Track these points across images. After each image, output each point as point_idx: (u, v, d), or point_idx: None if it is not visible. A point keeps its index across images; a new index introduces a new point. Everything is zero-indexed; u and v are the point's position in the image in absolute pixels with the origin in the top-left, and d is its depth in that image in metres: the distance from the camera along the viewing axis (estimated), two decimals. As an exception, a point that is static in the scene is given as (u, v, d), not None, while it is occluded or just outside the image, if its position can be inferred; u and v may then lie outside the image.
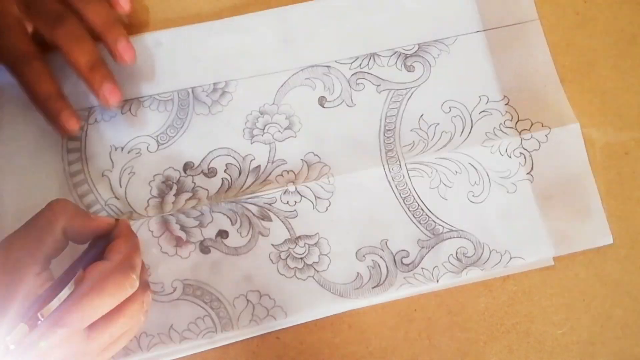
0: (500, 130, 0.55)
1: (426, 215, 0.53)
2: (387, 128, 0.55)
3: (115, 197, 0.53)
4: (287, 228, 0.53)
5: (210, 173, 0.54)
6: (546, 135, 0.55)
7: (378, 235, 0.53)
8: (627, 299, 0.53)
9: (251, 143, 0.54)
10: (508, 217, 0.53)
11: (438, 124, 0.55)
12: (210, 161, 0.54)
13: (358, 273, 0.52)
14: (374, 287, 0.52)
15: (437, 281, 0.52)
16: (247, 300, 0.51)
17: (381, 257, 0.52)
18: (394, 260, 0.52)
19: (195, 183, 0.53)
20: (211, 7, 0.58)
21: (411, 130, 0.55)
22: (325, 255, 0.52)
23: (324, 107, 0.55)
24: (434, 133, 0.55)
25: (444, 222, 0.53)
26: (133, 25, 0.57)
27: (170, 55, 0.56)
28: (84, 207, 0.52)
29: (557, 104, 0.56)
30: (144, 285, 0.46)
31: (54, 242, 0.43)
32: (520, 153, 0.54)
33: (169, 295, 0.51)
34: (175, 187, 0.53)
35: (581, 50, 0.58)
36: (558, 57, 0.57)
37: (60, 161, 0.53)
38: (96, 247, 0.45)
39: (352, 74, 0.56)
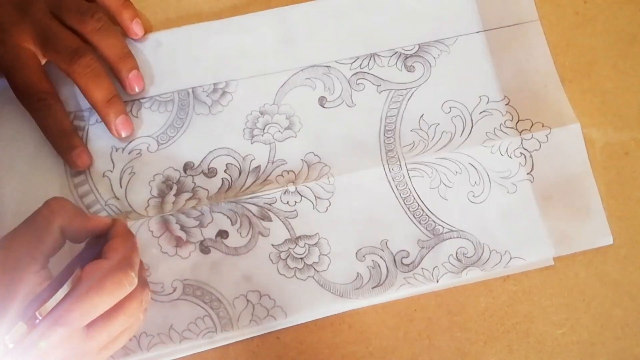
0: (501, 130, 0.55)
1: (426, 215, 0.53)
2: (387, 128, 0.55)
3: (116, 197, 0.53)
4: (287, 228, 0.53)
5: (211, 173, 0.54)
6: (546, 136, 0.55)
7: (378, 235, 0.53)
8: (627, 299, 0.53)
9: (251, 143, 0.54)
10: (508, 218, 0.53)
11: (438, 124, 0.55)
12: (211, 161, 0.54)
13: (358, 273, 0.52)
14: (374, 287, 0.52)
15: (437, 281, 0.52)
16: (247, 301, 0.51)
17: (381, 257, 0.52)
18: (394, 260, 0.52)
19: (195, 183, 0.53)
20: (211, 7, 0.58)
21: (411, 131, 0.55)
22: (325, 255, 0.52)
23: (324, 107, 0.55)
24: (434, 133, 0.55)
25: (444, 222, 0.53)
26: (133, 26, 0.57)
27: (170, 55, 0.56)
28: (85, 207, 0.52)
29: (557, 104, 0.56)
30: (143, 283, 0.46)
31: (52, 240, 0.43)
32: (521, 153, 0.54)
33: (169, 295, 0.51)
34: (175, 187, 0.53)
35: (581, 50, 0.58)
36: (558, 57, 0.57)
37: (60, 161, 0.53)
38: (93, 246, 0.45)
39: (353, 74, 0.56)
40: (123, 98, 0.54)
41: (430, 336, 0.52)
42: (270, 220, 0.53)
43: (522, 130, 0.55)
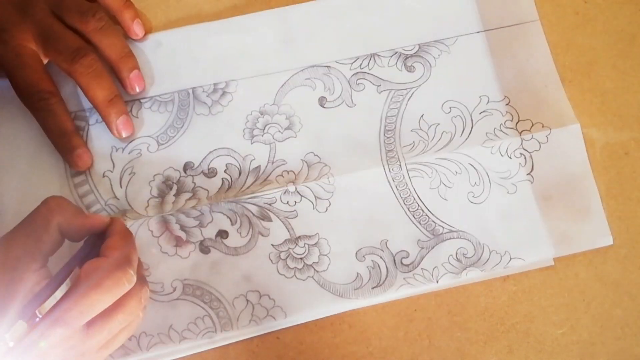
0: (501, 130, 0.55)
1: (426, 215, 0.53)
2: (387, 128, 0.55)
3: (116, 197, 0.53)
4: (287, 228, 0.53)
5: (211, 173, 0.54)
6: (546, 136, 0.55)
7: (378, 235, 0.53)
8: (627, 299, 0.53)
9: (251, 143, 0.54)
10: (508, 218, 0.53)
11: (438, 124, 0.55)
12: (211, 161, 0.54)
13: (358, 273, 0.52)
14: (374, 287, 0.52)
15: (437, 282, 0.52)
16: (247, 300, 0.51)
17: (381, 257, 0.52)
18: (394, 260, 0.52)
19: (195, 183, 0.53)
20: (211, 7, 0.58)
21: (411, 131, 0.55)
22: (325, 255, 0.52)
23: (324, 107, 0.55)
24: (434, 133, 0.55)
25: (444, 222, 0.53)
26: (133, 26, 0.57)
27: (170, 55, 0.56)
28: (85, 207, 0.52)
29: (557, 104, 0.56)
30: (142, 281, 0.46)
31: (51, 239, 0.43)
32: (521, 154, 0.54)
33: (169, 295, 0.51)
34: (175, 187, 0.53)
35: (581, 50, 0.58)
36: (558, 57, 0.57)
37: (60, 161, 0.53)
38: (92, 245, 0.45)
39: (353, 74, 0.56)
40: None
41: (430, 336, 0.52)
42: (270, 220, 0.53)
43: (522, 131, 0.55)
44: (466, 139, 0.55)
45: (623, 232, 0.54)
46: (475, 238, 0.53)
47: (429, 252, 0.52)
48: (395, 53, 0.57)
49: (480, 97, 0.56)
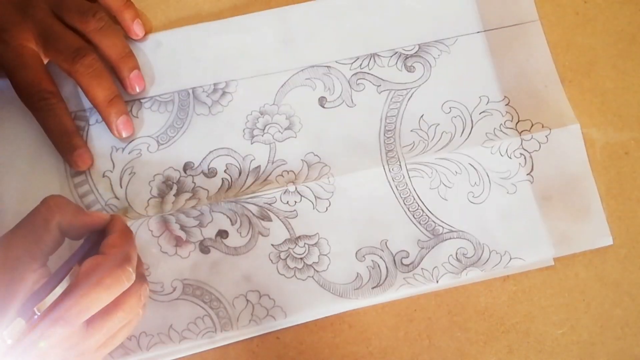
0: (501, 130, 0.55)
1: (426, 215, 0.53)
2: (387, 128, 0.55)
3: (116, 197, 0.53)
4: (287, 228, 0.53)
5: (211, 173, 0.54)
6: (546, 136, 0.55)
7: (378, 235, 0.53)
8: (627, 299, 0.53)
9: (251, 143, 0.54)
10: (508, 218, 0.53)
11: (438, 124, 0.55)
12: (211, 161, 0.54)
13: (358, 273, 0.52)
14: (374, 287, 0.52)
15: (437, 282, 0.52)
16: (247, 300, 0.51)
17: (381, 257, 0.52)
18: (394, 260, 0.52)
19: (195, 183, 0.53)
20: (211, 7, 0.58)
21: (411, 131, 0.55)
22: (325, 255, 0.52)
23: (324, 107, 0.55)
24: (434, 133, 0.55)
25: (444, 222, 0.53)
26: (133, 26, 0.57)
27: (170, 55, 0.56)
28: (85, 207, 0.52)
29: (557, 104, 0.56)
30: (141, 279, 0.46)
31: (51, 239, 0.43)
32: (521, 154, 0.54)
33: (169, 295, 0.51)
34: (175, 187, 0.53)
35: (581, 50, 0.58)
36: (558, 57, 0.57)
37: (60, 161, 0.53)
38: (92, 242, 0.45)
39: (353, 74, 0.56)
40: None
41: (430, 336, 0.52)
42: (270, 220, 0.53)
43: (522, 131, 0.55)
44: (466, 139, 0.55)
45: (623, 232, 0.54)
46: (475, 238, 0.53)
47: (429, 252, 0.52)
48: (395, 53, 0.57)
49: (480, 97, 0.56)
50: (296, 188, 0.53)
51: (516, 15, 0.58)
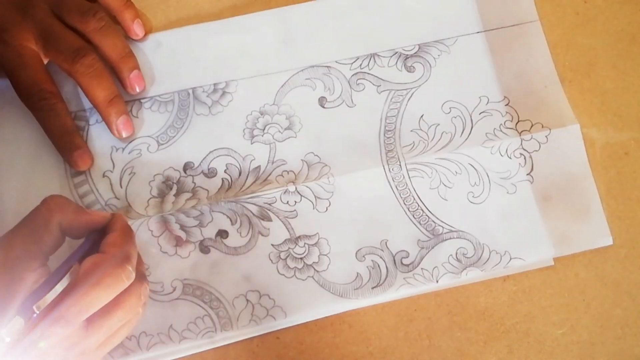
0: (501, 131, 0.55)
1: (426, 215, 0.53)
2: (387, 128, 0.55)
3: (116, 197, 0.53)
4: (287, 228, 0.53)
5: (211, 173, 0.54)
6: (546, 136, 0.55)
7: (378, 235, 0.53)
8: (627, 299, 0.53)
9: (251, 143, 0.54)
10: (508, 218, 0.53)
11: (438, 124, 0.55)
12: (211, 161, 0.54)
13: (358, 273, 0.52)
14: (374, 287, 0.52)
15: (437, 282, 0.52)
16: (247, 300, 0.51)
17: (381, 257, 0.52)
18: (394, 260, 0.52)
19: (195, 183, 0.53)
20: (211, 7, 0.58)
21: (411, 131, 0.55)
22: (325, 255, 0.52)
23: (324, 107, 0.55)
24: (434, 133, 0.55)
25: (444, 222, 0.53)
26: (133, 26, 0.57)
27: (170, 56, 0.56)
28: (85, 207, 0.52)
29: (557, 105, 0.56)
30: (141, 278, 0.46)
31: (52, 238, 0.43)
32: (520, 154, 0.54)
33: (169, 295, 0.51)
34: (175, 187, 0.53)
35: (581, 50, 0.58)
36: (558, 57, 0.57)
37: (60, 161, 0.53)
38: (92, 241, 0.45)
39: (353, 75, 0.56)
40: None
41: (430, 336, 0.52)
42: (270, 220, 0.53)
43: (521, 131, 0.55)
44: (466, 139, 0.55)
45: (623, 232, 0.54)
46: (475, 238, 0.53)
47: (429, 252, 0.52)
48: (395, 53, 0.57)
49: (480, 97, 0.56)
50: (296, 188, 0.53)
51: (516, 15, 0.58)
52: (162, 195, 0.53)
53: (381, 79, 0.56)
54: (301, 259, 0.52)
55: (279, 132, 0.55)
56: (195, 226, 0.52)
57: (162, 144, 0.54)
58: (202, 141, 0.54)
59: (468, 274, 0.52)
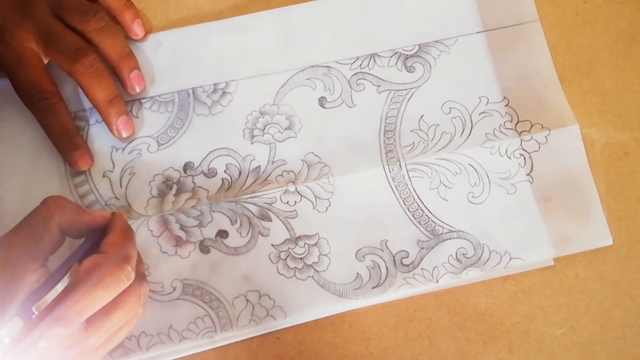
0: (500, 131, 0.55)
1: (426, 215, 0.53)
2: (387, 129, 0.55)
3: (116, 197, 0.53)
4: (287, 228, 0.53)
5: (211, 173, 0.54)
6: (546, 137, 0.55)
7: (378, 235, 0.53)
8: (627, 299, 0.53)
9: (251, 143, 0.54)
10: (508, 218, 0.53)
11: (438, 124, 0.55)
12: (211, 161, 0.54)
13: (358, 273, 0.52)
14: (374, 287, 0.52)
15: (437, 282, 0.52)
16: (247, 300, 0.51)
17: (381, 257, 0.52)
18: (394, 260, 0.52)
19: (195, 183, 0.53)
20: (211, 7, 0.58)
21: (411, 131, 0.55)
22: (325, 255, 0.52)
23: (324, 107, 0.55)
24: (434, 134, 0.55)
25: (443, 222, 0.53)
26: (133, 26, 0.57)
27: (170, 56, 0.56)
28: (85, 207, 0.52)
29: (557, 105, 0.56)
30: (141, 278, 0.46)
31: (51, 239, 0.43)
32: (520, 154, 0.54)
33: (169, 295, 0.51)
34: (175, 187, 0.53)
35: (581, 50, 0.58)
36: (558, 57, 0.57)
37: (60, 161, 0.53)
38: (92, 240, 0.45)
39: (353, 75, 0.56)
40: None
41: (430, 336, 0.52)
42: (270, 220, 0.53)
43: (521, 132, 0.55)
44: (466, 139, 0.55)
45: (623, 232, 0.54)
46: (475, 238, 0.53)
47: (429, 252, 0.52)
48: (395, 53, 0.57)
49: (479, 97, 0.56)
50: (296, 188, 0.53)
51: (516, 15, 0.58)
52: (162, 195, 0.53)
53: (381, 79, 0.56)
54: (301, 259, 0.52)
55: (279, 132, 0.55)
56: (195, 226, 0.52)
57: (162, 144, 0.54)
58: (202, 141, 0.54)
59: (468, 274, 0.52)
